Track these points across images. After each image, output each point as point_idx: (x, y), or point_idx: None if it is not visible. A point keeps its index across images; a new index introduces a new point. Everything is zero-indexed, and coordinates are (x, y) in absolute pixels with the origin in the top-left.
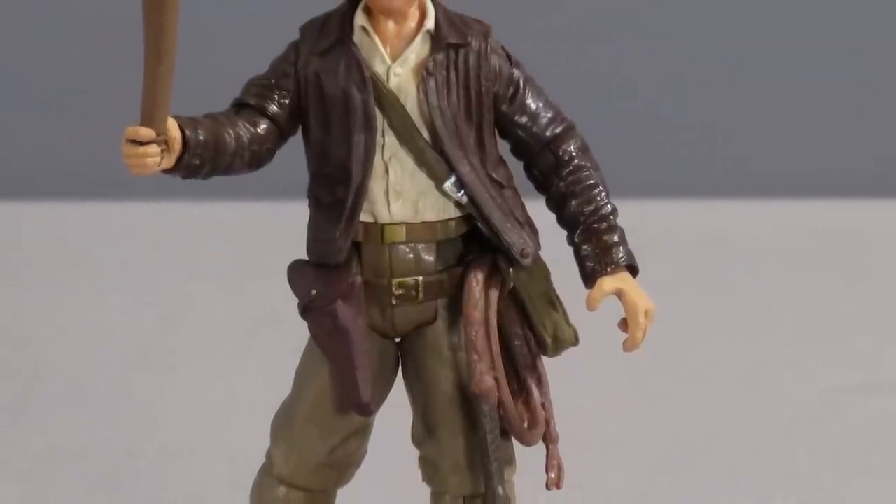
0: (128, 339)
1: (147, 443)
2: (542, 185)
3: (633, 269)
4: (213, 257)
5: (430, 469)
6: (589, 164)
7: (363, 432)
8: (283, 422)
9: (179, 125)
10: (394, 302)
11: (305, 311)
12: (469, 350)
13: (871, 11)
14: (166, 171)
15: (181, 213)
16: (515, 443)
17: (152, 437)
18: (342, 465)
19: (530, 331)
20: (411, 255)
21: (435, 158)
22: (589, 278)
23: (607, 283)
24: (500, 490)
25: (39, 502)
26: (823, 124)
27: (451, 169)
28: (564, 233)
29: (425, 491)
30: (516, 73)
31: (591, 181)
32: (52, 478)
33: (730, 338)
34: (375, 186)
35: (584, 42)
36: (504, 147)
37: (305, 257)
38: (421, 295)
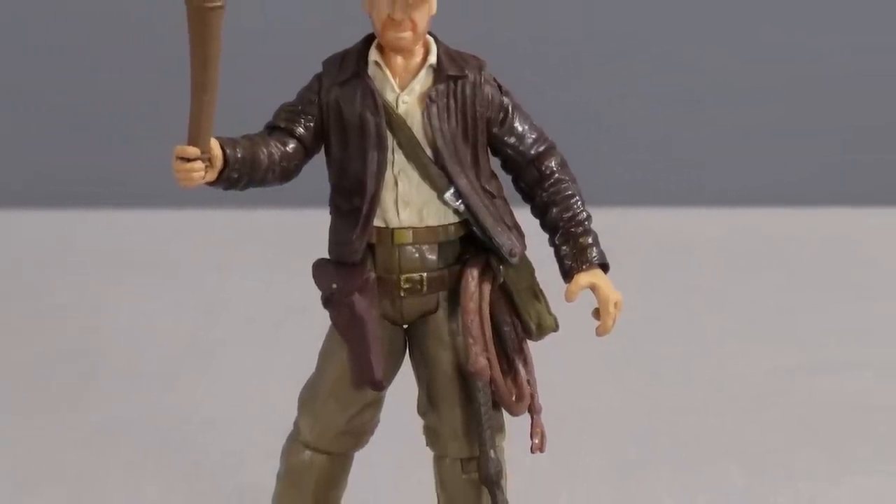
0: (176, 327)
1: (192, 415)
2: (528, 195)
3: (604, 267)
4: (249, 257)
5: (432, 436)
6: (567, 178)
7: (376, 405)
8: (309, 396)
9: (221, 144)
10: (402, 294)
11: (327, 302)
12: (466, 335)
13: (824, 38)
14: (209, 184)
15: (222, 219)
16: (505, 413)
17: (196, 411)
18: (358, 432)
19: (517, 318)
20: (417, 255)
21: (437, 173)
22: (567, 274)
23: (583, 278)
24: (492, 454)
25: (99, 466)
26: (768, 144)
27: (451, 182)
28: (546, 236)
29: (428, 455)
30: (506, 100)
31: (569, 192)
32: (110, 445)
33: (689, 326)
34: (387, 197)
35: (561, 74)
36: (495, 163)
37: (327, 257)
38: (425, 288)
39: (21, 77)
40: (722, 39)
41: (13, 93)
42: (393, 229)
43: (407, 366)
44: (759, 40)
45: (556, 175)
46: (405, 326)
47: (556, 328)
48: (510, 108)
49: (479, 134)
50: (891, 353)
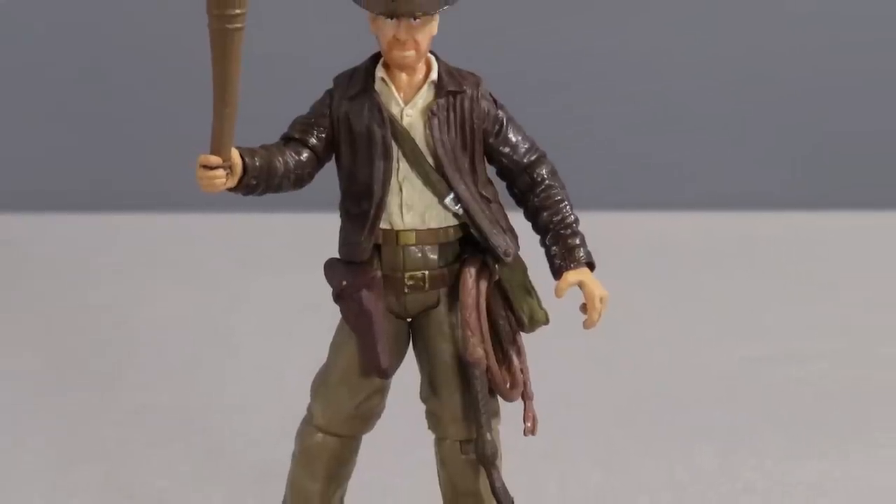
0: (201, 320)
1: (215, 400)
2: (521, 200)
3: (591, 265)
4: (267, 256)
5: (433, 420)
6: (557, 185)
7: (382, 391)
8: (321, 383)
9: (240, 154)
10: (406, 291)
11: (338, 297)
12: (464, 328)
13: (794, 55)
14: (230, 190)
15: (242, 222)
16: (500, 399)
17: (219, 397)
18: (366, 416)
19: (511, 313)
20: (420, 255)
21: (438, 180)
22: (557, 272)
23: (571, 276)
24: (488, 436)
25: (132, 444)
26: (739, 156)
27: (451, 188)
28: (538, 237)
29: (430, 437)
30: (500, 113)
31: (559, 197)
32: (140, 427)
33: (667, 320)
34: (392, 201)
35: (551, 89)
36: (491, 170)
37: (338, 256)
38: (427, 285)
39: (68, 97)
40: (700, 58)
41: (61, 110)
42: (398, 231)
43: (410, 356)
44: (735, 57)
45: (547, 182)
46: (409, 320)
47: (546, 321)
48: (504, 121)
49: (477, 144)
50: (846, 344)
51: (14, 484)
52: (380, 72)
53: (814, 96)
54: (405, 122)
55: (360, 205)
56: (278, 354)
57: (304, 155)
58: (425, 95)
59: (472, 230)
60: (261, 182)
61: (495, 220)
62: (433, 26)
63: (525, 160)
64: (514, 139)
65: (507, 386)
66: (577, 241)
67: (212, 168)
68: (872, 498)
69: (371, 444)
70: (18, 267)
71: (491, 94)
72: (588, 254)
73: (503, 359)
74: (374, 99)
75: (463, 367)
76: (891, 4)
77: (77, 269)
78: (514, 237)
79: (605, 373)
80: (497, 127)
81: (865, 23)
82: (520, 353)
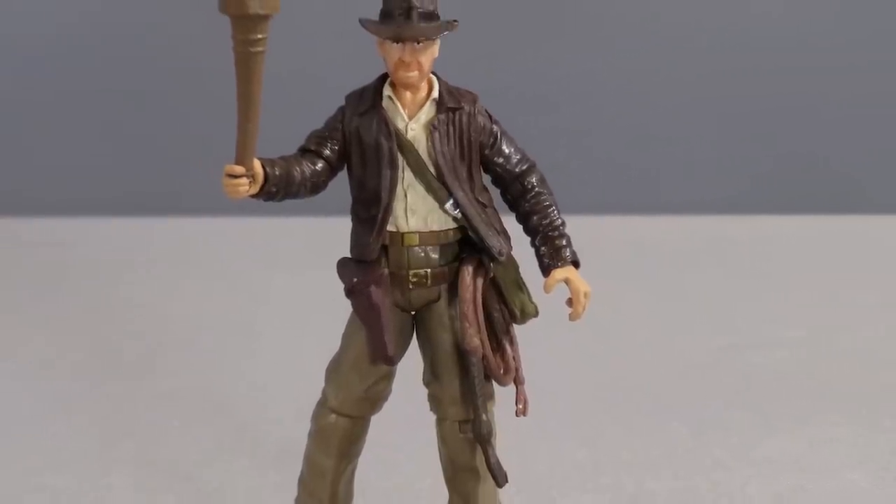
0: (227, 313)
1: (240, 384)
2: (513, 205)
3: (576, 264)
4: (286, 256)
5: (435, 402)
6: (545, 191)
7: (389, 377)
8: (334, 369)
9: (262, 164)
10: (410, 287)
11: (349, 293)
12: (462, 320)
13: (756, 71)
14: (253, 196)
15: (263, 225)
16: (495, 384)
17: (244, 381)
18: (374, 399)
19: (505, 306)
20: (423, 254)
21: (439, 187)
22: (545, 270)
23: (558, 273)
24: (484, 417)
25: (165, 423)
26: (708, 166)
27: (450, 194)
28: (528, 239)
29: (432, 418)
30: (495, 128)
31: (547, 203)
32: (172, 408)
33: (645, 312)
34: (397, 206)
35: (541, 105)
36: (486, 179)
37: (349, 256)
38: (429, 282)
39: (116, 119)
40: (676, 80)
41: (108, 131)
42: (403, 233)
43: (414, 345)
44: (708, 80)
45: (537, 189)
46: (413, 313)
47: (536, 314)
48: (499, 134)
49: (473, 155)
50: (805, 334)
51: (63, 457)
52: (387, 90)
53: (774, 116)
54: (410, 135)
55: (369, 210)
56: (296, 343)
57: (319, 165)
58: (427, 111)
59: (469, 232)
60: (280, 189)
61: (490, 224)
62: (434, 49)
63: (517, 169)
64: (507, 151)
65: (501, 372)
66: (564, 242)
67: (236, 177)
68: (826, 470)
69: (379, 425)
70: (67, 265)
71: (486, 110)
72: (573, 253)
73: (497, 347)
74: (382, 115)
75: (461, 354)
76: (842, 31)
77: (117, 267)
78: (507, 238)
79: (589, 360)
80: (492, 140)
81: (818, 51)
82: (512, 342)
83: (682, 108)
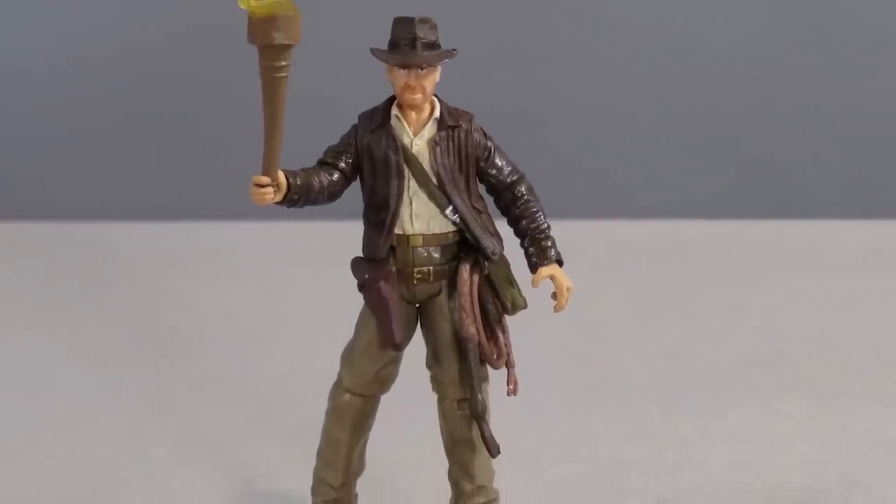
0: (255, 306)
1: (265, 369)
2: (505, 211)
3: (560, 262)
4: (306, 255)
5: (436, 383)
6: (533, 199)
7: (397, 361)
8: (348, 354)
9: (285, 175)
10: (415, 282)
11: (361, 287)
12: (460, 311)
13: (732, 80)
14: (277, 203)
15: (286, 229)
16: (489, 367)
17: (269, 365)
18: (384, 380)
19: (497, 299)
20: (426, 254)
21: (440, 195)
22: (533, 268)
23: (544, 270)
24: (479, 396)
25: (199, 404)
26: (680, 172)
27: (450, 201)
28: (518, 240)
29: (433, 397)
30: (489, 143)
31: (535, 209)
32: (207, 390)
33: (620, 306)
34: (404, 212)
35: (529, 123)
36: (481, 187)
37: (361, 255)
38: (432, 278)
39: (160, 131)
40: (646, 96)
41: (153, 142)
42: (408, 235)
43: (418, 333)
44: (676, 95)
45: (525, 196)
46: (417, 305)
47: (525, 306)
48: (492, 149)
49: (470, 167)
50: (764, 324)
51: (110, 433)
52: (394, 110)
53: (739, 125)
54: (414, 150)
55: (379, 214)
56: (314, 332)
57: (336, 176)
58: (430, 129)
59: (467, 235)
60: (301, 197)
61: (485, 227)
62: (436, 75)
63: (508, 180)
64: (499, 163)
65: (495, 357)
66: (549, 244)
67: (262, 186)
68: (783, 443)
69: (388, 403)
70: (114, 265)
71: (482, 128)
72: (558, 253)
73: (491, 335)
74: (390, 132)
75: (459, 342)
76: (812, 41)
77: (159, 265)
78: (500, 240)
79: (572, 347)
80: (486, 154)
81: (784, 62)
82: (504, 331)
83: (653, 124)
